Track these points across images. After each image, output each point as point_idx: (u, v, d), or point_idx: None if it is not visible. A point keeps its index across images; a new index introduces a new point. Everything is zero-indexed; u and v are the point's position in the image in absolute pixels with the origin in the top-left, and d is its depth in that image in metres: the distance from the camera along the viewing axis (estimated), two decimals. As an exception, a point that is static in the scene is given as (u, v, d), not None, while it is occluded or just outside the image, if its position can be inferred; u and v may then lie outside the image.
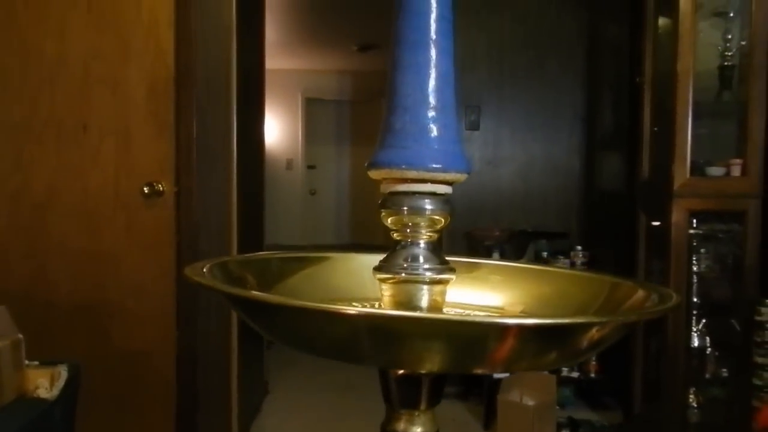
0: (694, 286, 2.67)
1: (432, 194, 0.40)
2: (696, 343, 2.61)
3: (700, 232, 2.64)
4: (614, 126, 3.47)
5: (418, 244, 0.39)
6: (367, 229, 5.58)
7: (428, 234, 0.40)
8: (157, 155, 2.50)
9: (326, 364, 3.95)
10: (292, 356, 3.97)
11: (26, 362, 1.89)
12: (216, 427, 2.63)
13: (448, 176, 0.39)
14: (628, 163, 3.33)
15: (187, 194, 2.59)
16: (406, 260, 0.38)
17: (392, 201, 0.40)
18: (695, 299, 2.61)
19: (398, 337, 0.29)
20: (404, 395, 0.38)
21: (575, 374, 3.09)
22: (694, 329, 2.60)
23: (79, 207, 2.54)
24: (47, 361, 1.93)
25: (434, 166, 0.39)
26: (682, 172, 2.44)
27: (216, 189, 2.65)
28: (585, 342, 0.33)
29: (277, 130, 5.76)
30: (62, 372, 1.89)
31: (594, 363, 3.07)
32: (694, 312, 2.61)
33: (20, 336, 1.84)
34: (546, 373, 2.96)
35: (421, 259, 0.39)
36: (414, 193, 0.38)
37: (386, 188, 0.40)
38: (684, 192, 2.47)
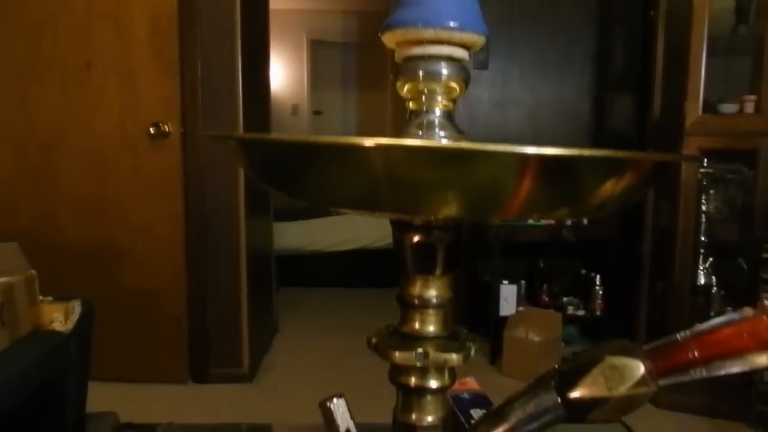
0: (702, 226, 2.66)
1: (448, 58, 0.38)
2: (702, 281, 2.62)
3: (711, 171, 2.61)
4: (625, 66, 3.40)
5: (434, 111, 0.38)
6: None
7: (444, 103, 0.39)
8: (162, 95, 2.48)
9: (334, 305, 4.01)
10: (301, 298, 4.04)
11: (40, 298, 1.93)
12: (227, 362, 2.70)
13: (465, 37, 0.38)
14: (639, 105, 3.27)
15: (193, 135, 2.59)
16: (420, 128, 0.38)
17: (407, 67, 0.39)
18: (703, 238, 2.60)
19: (415, 173, 0.29)
20: (419, 261, 0.38)
21: (581, 312, 3.12)
22: (701, 268, 2.61)
23: (85, 149, 2.55)
24: (61, 297, 1.96)
25: (451, 24, 0.37)
26: (694, 110, 2.40)
27: (222, 131, 2.63)
28: (605, 186, 0.32)
29: (282, 73, 5.67)
30: (76, 306, 1.92)
31: (599, 302, 3.10)
32: (702, 251, 2.61)
33: (33, 271, 1.87)
34: (552, 311, 3.00)
35: (437, 128, 0.38)
36: (430, 57, 0.37)
37: (401, 54, 0.39)
38: (695, 130, 2.44)
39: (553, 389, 0.39)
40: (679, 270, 2.56)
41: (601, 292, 3.12)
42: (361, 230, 4.28)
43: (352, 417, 0.33)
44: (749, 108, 2.38)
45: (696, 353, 0.43)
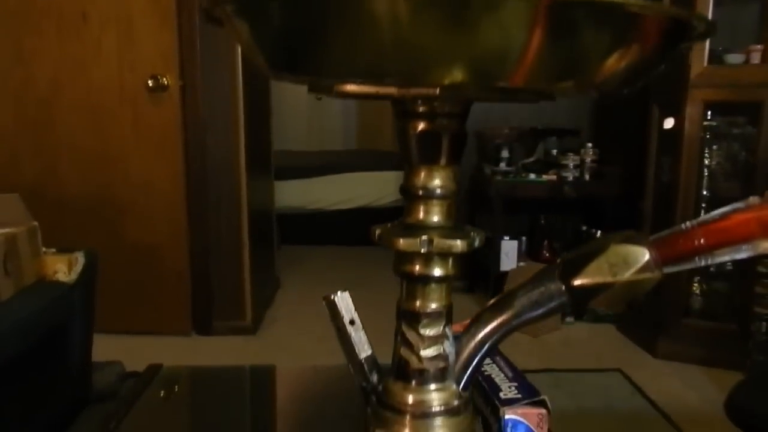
0: (704, 181, 2.65)
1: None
2: (702, 235, 2.62)
3: (714, 124, 2.59)
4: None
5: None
6: (375, 135, 5.52)
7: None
8: (161, 46, 2.45)
9: (336, 262, 4.04)
10: (302, 256, 4.06)
11: (43, 249, 1.94)
12: (230, 315, 2.73)
13: None
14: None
15: (192, 89, 2.56)
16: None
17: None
18: (705, 192, 2.60)
19: (418, 25, 0.28)
20: (423, 150, 0.38)
21: (581, 269, 3.14)
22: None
23: (84, 102, 2.52)
24: (64, 249, 1.97)
25: None
26: (699, 61, 2.37)
27: (221, 86, 2.60)
28: (615, 45, 0.31)
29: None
30: (79, 258, 1.93)
31: (599, 258, 3.11)
32: (703, 205, 2.61)
33: (35, 223, 1.87)
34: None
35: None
36: None
37: None
38: (700, 82, 2.41)
39: (558, 277, 0.39)
40: (680, 221, 2.56)
41: (601, 248, 3.13)
42: (362, 189, 4.28)
43: (356, 310, 0.33)
44: (755, 58, 2.34)
45: (702, 241, 0.43)
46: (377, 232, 0.37)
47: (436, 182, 0.39)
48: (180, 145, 2.59)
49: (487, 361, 1.02)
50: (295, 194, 4.22)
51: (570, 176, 2.99)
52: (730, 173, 2.73)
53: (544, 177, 3.00)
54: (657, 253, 0.44)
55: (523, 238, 3.20)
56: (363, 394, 0.32)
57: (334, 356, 1.02)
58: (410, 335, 0.30)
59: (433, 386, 0.30)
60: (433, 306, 0.30)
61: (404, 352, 0.31)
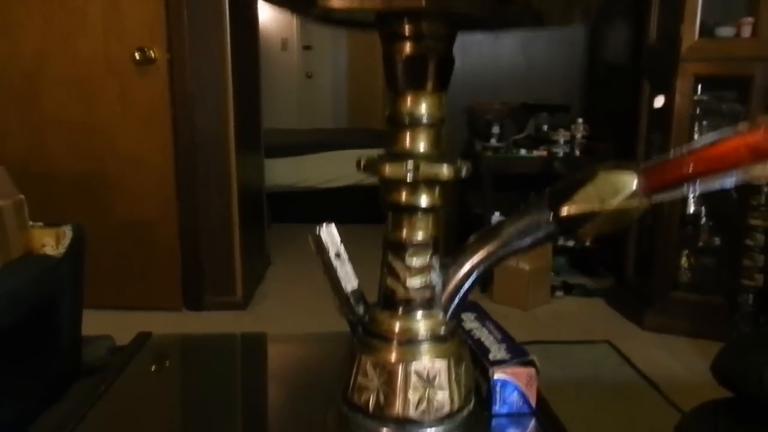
0: (694, 156, 2.66)
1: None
2: (692, 209, 2.64)
3: (704, 98, 2.59)
4: (622, -6, 3.32)
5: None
6: (366, 114, 5.49)
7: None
8: (147, 17, 2.41)
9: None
10: (293, 234, 4.04)
11: (30, 223, 1.92)
12: (221, 290, 2.73)
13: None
14: (635, 33, 3.21)
15: (180, 62, 2.53)
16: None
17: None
18: (694, 166, 2.61)
19: None
20: (410, 75, 0.37)
21: (570, 243, 3.15)
22: (691, 195, 2.63)
23: (70, 75, 2.49)
24: (51, 223, 1.96)
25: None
26: (690, 34, 2.36)
27: (209, 60, 2.57)
28: None
29: (270, 7, 5.51)
30: (67, 231, 1.91)
31: (589, 234, 3.12)
32: (692, 179, 2.62)
33: (21, 196, 1.85)
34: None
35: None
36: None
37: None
38: (691, 56, 2.40)
39: (546, 206, 0.39)
40: (669, 201, 2.57)
41: (591, 224, 3.15)
42: (353, 167, 4.24)
43: (342, 242, 0.33)
44: (746, 32, 2.34)
45: (691, 168, 0.43)
46: (362, 161, 0.36)
47: (423, 109, 0.38)
48: (168, 119, 2.56)
49: (477, 325, 1.03)
50: (286, 172, 4.20)
51: (560, 152, 2.99)
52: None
53: (535, 153, 3.00)
54: (645, 180, 0.43)
55: (514, 214, 3.21)
56: (349, 326, 0.32)
57: (325, 330, 1.01)
58: (396, 265, 0.29)
59: (419, 315, 0.30)
60: (420, 236, 0.29)
61: (390, 282, 0.30)
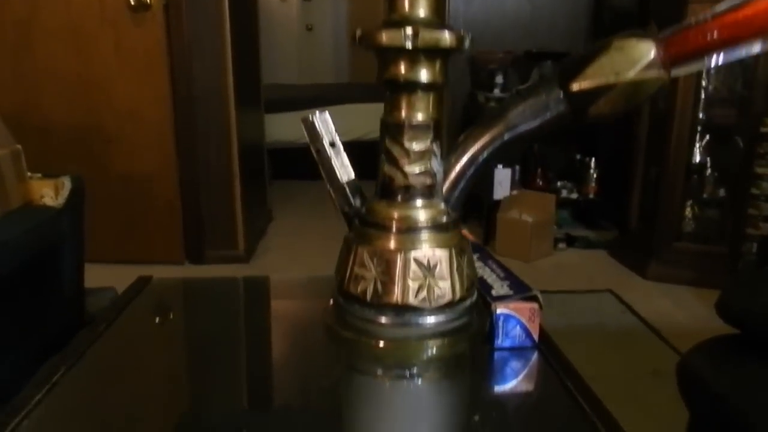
0: (700, 106, 2.61)
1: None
2: (697, 159, 2.60)
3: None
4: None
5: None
6: (367, 68, 5.39)
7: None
8: (140, -39, 2.33)
9: (325, 196, 4.01)
10: (294, 190, 4.03)
11: (29, 174, 1.90)
12: (223, 244, 2.72)
13: None
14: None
15: (176, 9, 2.47)
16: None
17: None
18: (701, 115, 2.56)
19: None
20: None
21: (574, 196, 3.13)
22: (697, 145, 2.59)
23: (64, 24, 2.43)
24: (50, 174, 1.94)
25: None
26: (700, -26, 2.28)
27: (206, 7, 2.50)
28: None
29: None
30: (65, 183, 1.90)
31: (593, 186, 3.10)
32: (698, 128, 2.58)
33: (18, 146, 1.83)
34: (546, 193, 3.00)
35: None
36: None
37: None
38: (701, -4, 2.33)
39: (556, 83, 0.36)
40: (674, 149, 2.53)
41: (595, 176, 3.12)
42: (354, 121, 4.20)
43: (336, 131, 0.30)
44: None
45: (714, 35, 0.39)
46: (358, 33, 0.33)
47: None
48: (165, 70, 2.51)
49: (480, 264, 1.02)
50: (286, 128, 4.15)
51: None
52: (727, 99, 2.69)
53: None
54: (664, 50, 0.40)
55: (517, 167, 3.18)
56: (345, 219, 0.30)
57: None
58: (395, 150, 0.27)
59: (419, 203, 0.28)
60: (419, 117, 0.27)
61: (388, 169, 0.28)
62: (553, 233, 2.92)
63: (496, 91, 3.03)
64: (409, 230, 0.27)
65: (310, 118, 0.30)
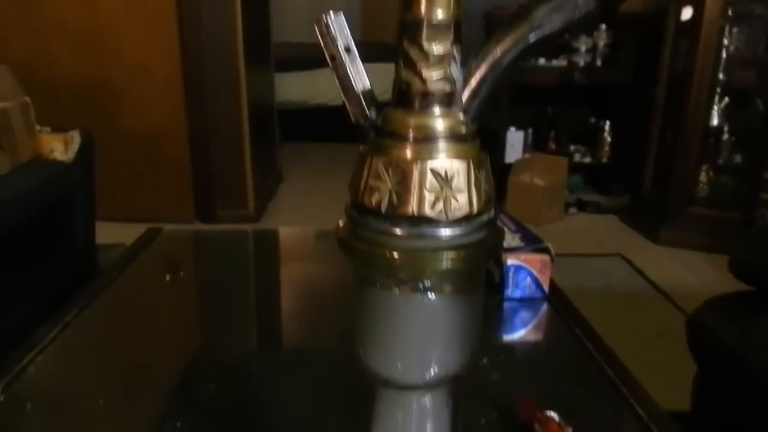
0: (721, 67, 2.55)
1: None
2: (715, 122, 2.56)
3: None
4: None
5: None
6: (378, 27, 5.30)
7: None
8: None
9: (337, 159, 3.98)
10: (305, 152, 4.02)
11: (38, 128, 1.90)
12: (233, 203, 2.72)
13: None
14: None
15: (184, -40, 2.41)
16: None
17: None
18: (720, 76, 2.51)
19: None
20: None
21: (587, 160, 3.09)
22: (715, 108, 2.54)
23: (71, -24, 2.39)
24: (59, 128, 1.93)
25: None
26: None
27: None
28: None
29: None
30: (75, 137, 1.89)
31: (607, 149, 3.06)
32: (717, 90, 2.52)
33: (27, 98, 1.82)
34: (558, 157, 2.97)
35: None
36: None
37: None
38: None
39: None
40: (692, 111, 2.49)
41: (609, 140, 3.07)
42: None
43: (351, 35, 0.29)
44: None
45: None
46: None
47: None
48: (174, 22, 2.48)
49: (491, 218, 1.01)
50: (297, 88, 4.12)
51: (581, 61, 2.88)
52: (748, 60, 2.62)
53: (555, 62, 2.90)
54: None
55: (530, 130, 3.14)
56: (360, 133, 0.29)
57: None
58: (412, 52, 0.26)
59: (437, 111, 0.27)
60: (440, 14, 0.25)
61: (405, 73, 0.27)
62: (564, 197, 2.89)
63: None
64: (426, 140, 0.26)
65: (325, 20, 0.29)
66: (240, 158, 2.71)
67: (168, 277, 0.96)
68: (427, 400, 0.29)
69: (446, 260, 0.27)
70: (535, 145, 3.15)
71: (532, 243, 0.89)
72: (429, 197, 0.26)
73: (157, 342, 0.74)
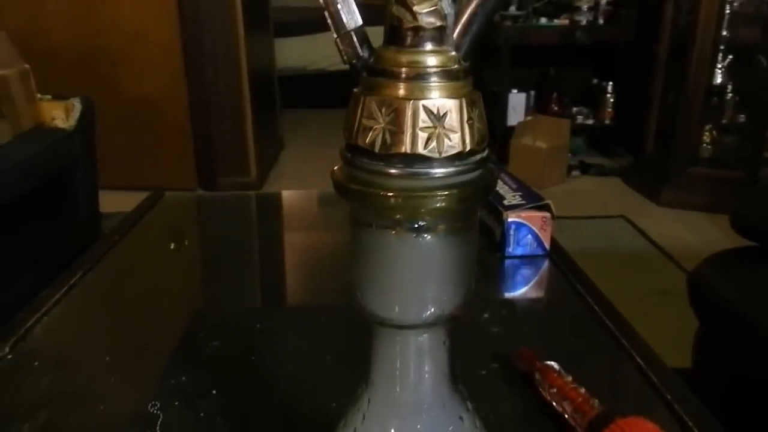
0: (724, 24, 2.51)
1: None
2: (718, 80, 2.53)
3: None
4: None
5: None
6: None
7: None
8: None
9: (338, 124, 3.96)
10: (306, 119, 3.99)
11: (38, 96, 1.89)
12: (235, 171, 2.72)
13: None
14: None
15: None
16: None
17: None
18: (724, 33, 2.47)
19: None
20: None
21: (590, 122, 3.07)
22: (718, 66, 2.51)
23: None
24: (59, 96, 1.92)
25: None
26: None
27: None
28: None
29: None
30: (75, 104, 1.89)
31: (609, 110, 3.03)
32: (721, 47, 2.48)
33: (26, 66, 1.81)
34: (561, 119, 2.95)
35: None
36: None
37: None
38: None
39: None
40: (695, 69, 2.46)
41: (611, 101, 3.05)
42: (365, 47, 4.11)
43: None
44: None
45: None
46: None
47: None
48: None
49: (492, 176, 1.01)
50: (296, 53, 4.07)
51: (583, 20, 2.84)
52: (752, 17, 2.58)
53: (556, 21, 2.85)
54: None
55: (532, 92, 3.11)
56: (352, 73, 0.29)
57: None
58: (402, -14, 0.26)
59: (429, 47, 0.27)
60: None
61: (396, 9, 0.27)
62: (566, 160, 2.88)
63: (512, 9, 2.93)
64: (418, 77, 0.26)
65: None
66: (241, 125, 2.70)
67: (171, 240, 0.97)
68: (425, 339, 0.30)
69: (440, 199, 0.27)
70: (537, 107, 3.13)
71: (533, 201, 0.89)
72: (422, 135, 0.26)
73: (160, 302, 0.75)
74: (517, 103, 3.02)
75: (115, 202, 2.12)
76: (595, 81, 3.12)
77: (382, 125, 0.26)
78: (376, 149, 0.26)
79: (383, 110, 0.26)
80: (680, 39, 2.53)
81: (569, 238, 2.21)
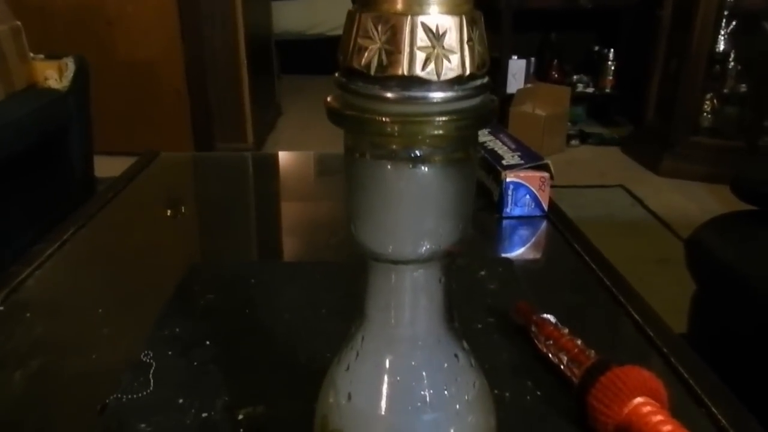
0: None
1: None
2: (721, 48, 2.49)
3: None
4: None
5: None
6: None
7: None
8: None
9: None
10: (304, 85, 3.95)
11: (31, 55, 1.85)
12: (232, 137, 2.70)
13: None
14: None
15: None
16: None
17: None
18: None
19: None
20: None
21: (590, 90, 3.04)
22: (722, 32, 2.47)
23: None
24: (52, 55, 1.89)
25: None
26: None
27: None
28: None
29: None
30: (69, 64, 1.86)
31: (610, 78, 3.00)
32: (725, 13, 2.44)
33: (18, 23, 1.77)
34: (561, 86, 2.92)
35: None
36: None
37: None
38: None
39: None
40: (698, 35, 2.42)
41: (612, 69, 3.01)
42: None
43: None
44: None
45: None
46: None
47: None
48: (166, -52, 2.39)
49: (491, 138, 1.00)
50: (294, 16, 4.00)
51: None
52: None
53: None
54: None
55: (532, 59, 3.07)
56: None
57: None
58: None
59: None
60: None
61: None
62: (566, 128, 2.86)
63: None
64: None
65: None
66: (238, 90, 2.66)
67: (167, 197, 0.96)
68: (420, 275, 0.29)
69: (438, 125, 0.26)
70: (537, 74, 3.09)
71: (532, 160, 0.87)
72: (420, 55, 0.25)
73: (155, 257, 0.74)
74: (517, 70, 2.98)
75: (109, 167, 2.09)
76: (596, 48, 3.08)
77: (378, 45, 0.25)
78: (372, 71, 0.25)
79: (380, 28, 0.25)
80: (684, 3, 2.49)
81: (567, 206, 2.19)
